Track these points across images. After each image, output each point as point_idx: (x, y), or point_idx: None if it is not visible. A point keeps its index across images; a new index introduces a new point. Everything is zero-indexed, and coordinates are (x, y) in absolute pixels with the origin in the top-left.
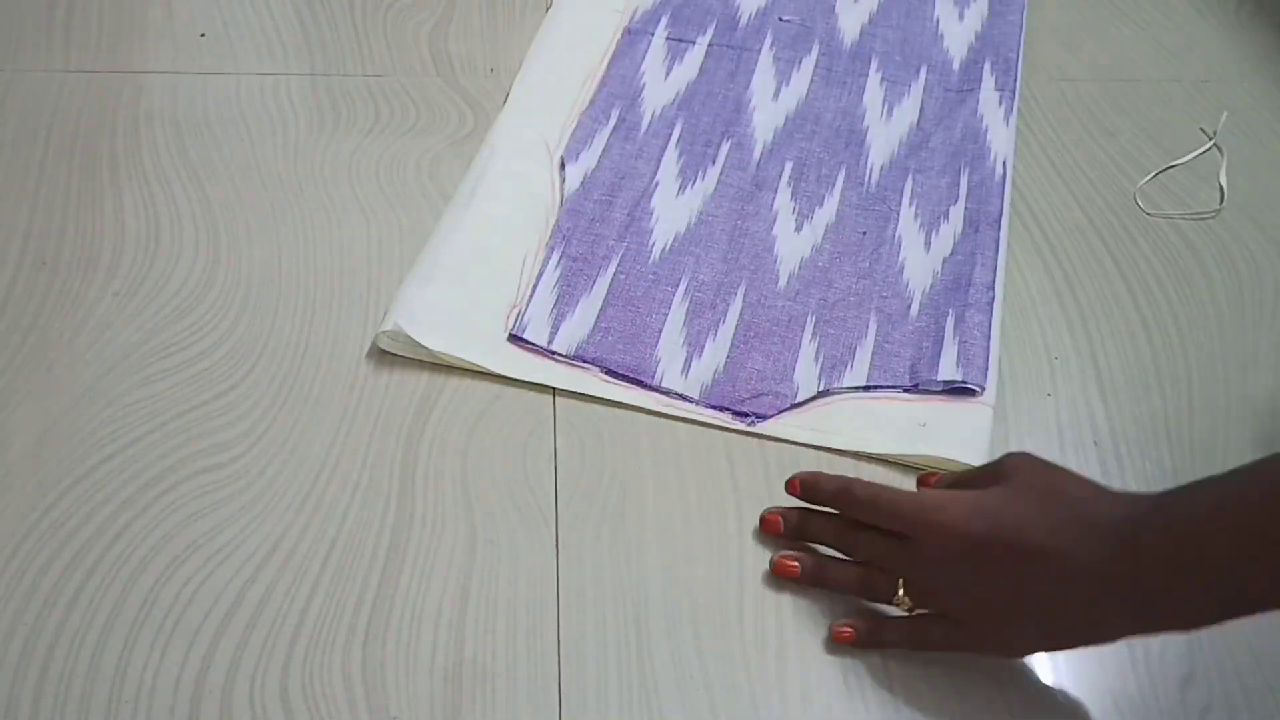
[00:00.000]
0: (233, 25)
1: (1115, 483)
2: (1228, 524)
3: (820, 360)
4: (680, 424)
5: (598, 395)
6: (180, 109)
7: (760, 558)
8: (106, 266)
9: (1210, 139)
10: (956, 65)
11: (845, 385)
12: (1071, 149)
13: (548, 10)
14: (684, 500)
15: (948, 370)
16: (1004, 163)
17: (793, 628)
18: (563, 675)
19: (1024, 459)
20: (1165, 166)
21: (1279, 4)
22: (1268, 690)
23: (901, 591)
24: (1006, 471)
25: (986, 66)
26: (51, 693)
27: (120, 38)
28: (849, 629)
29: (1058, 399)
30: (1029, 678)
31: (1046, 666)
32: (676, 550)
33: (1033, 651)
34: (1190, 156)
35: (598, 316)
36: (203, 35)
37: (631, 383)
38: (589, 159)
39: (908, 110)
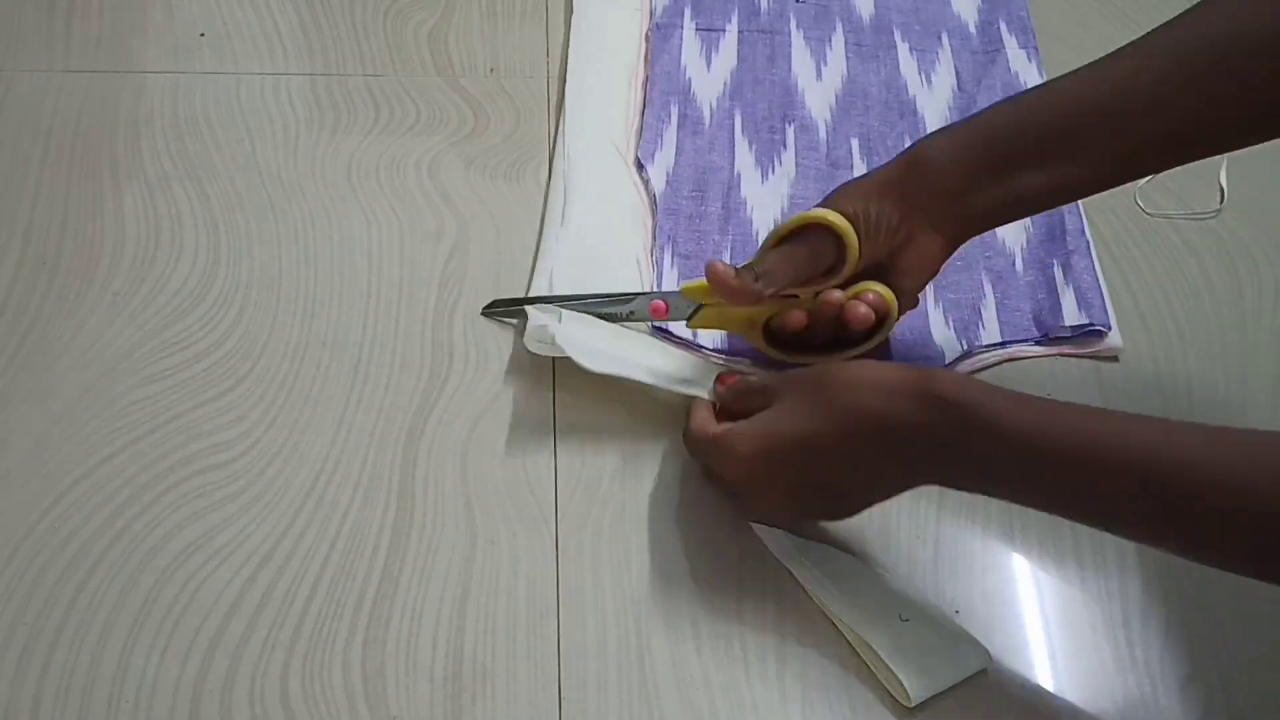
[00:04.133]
0: (233, 25)
1: None
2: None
3: (951, 324)
4: (680, 424)
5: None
6: (180, 109)
7: (760, 558)
8: (106, 266)
9: None
10: (973, 28)
11: (985, 344)
12: None
13: (543, 11)
14: (684, 500)
15: (1071, 316)
16: None
17: (793, 628)
18: (563, 675)
19: (793, 374)
20: None
21: None
22: (1267, 690)
23: None
24: (778, 389)
25: (1002, 27)
26: (51, 693)
27: (120, 38)
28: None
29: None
30: (1026, 678)
31: (1046, 667)
32: (676, 550)
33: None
34: None
35: None
36: (203, 35)
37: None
38: (665, 158)
39: (944, 76)
